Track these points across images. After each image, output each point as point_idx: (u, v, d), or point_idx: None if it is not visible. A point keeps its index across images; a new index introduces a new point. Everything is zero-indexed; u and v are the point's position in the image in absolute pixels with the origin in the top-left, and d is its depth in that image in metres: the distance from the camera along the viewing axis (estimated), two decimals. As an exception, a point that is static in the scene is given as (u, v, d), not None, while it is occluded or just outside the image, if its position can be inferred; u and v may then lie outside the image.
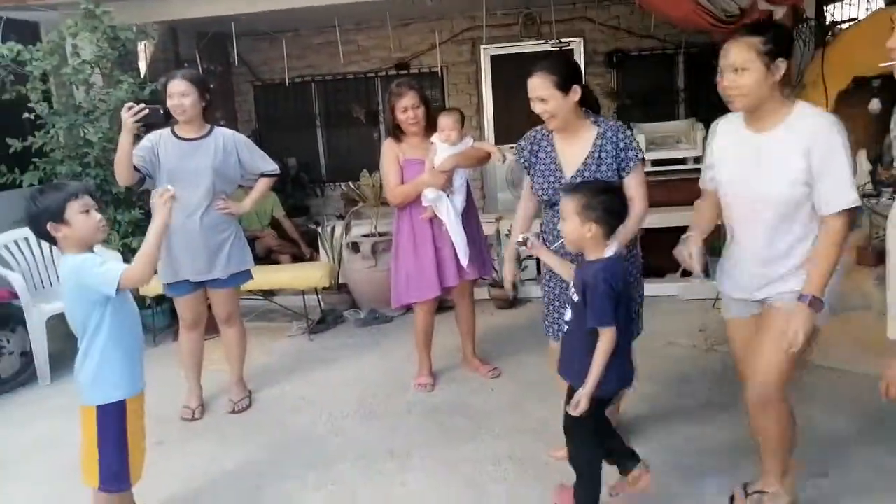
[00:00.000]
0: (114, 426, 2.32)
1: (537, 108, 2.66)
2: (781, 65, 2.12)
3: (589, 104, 2.76)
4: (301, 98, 7.99)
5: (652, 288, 3.84)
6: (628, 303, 2.37)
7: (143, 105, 3.07)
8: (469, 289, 3.91)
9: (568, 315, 2.38)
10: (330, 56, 7.48)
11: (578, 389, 2.23)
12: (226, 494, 2.87)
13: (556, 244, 2.58)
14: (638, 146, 2.71)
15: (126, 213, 4.84)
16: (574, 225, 2.23)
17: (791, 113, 2.17)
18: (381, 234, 5.19)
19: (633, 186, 2.65)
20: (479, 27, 6.97)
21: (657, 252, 3.18)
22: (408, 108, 3.54)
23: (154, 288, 4.48)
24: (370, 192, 5.34)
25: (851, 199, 2.09)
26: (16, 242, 4.50)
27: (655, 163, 5.68)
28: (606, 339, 2.18)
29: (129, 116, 3.04)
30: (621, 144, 2.66)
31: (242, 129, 7.46)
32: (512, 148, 3.04)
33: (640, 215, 2.64)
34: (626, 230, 2.45)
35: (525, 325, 4.73)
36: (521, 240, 2.55)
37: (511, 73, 7.05)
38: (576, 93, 2.62)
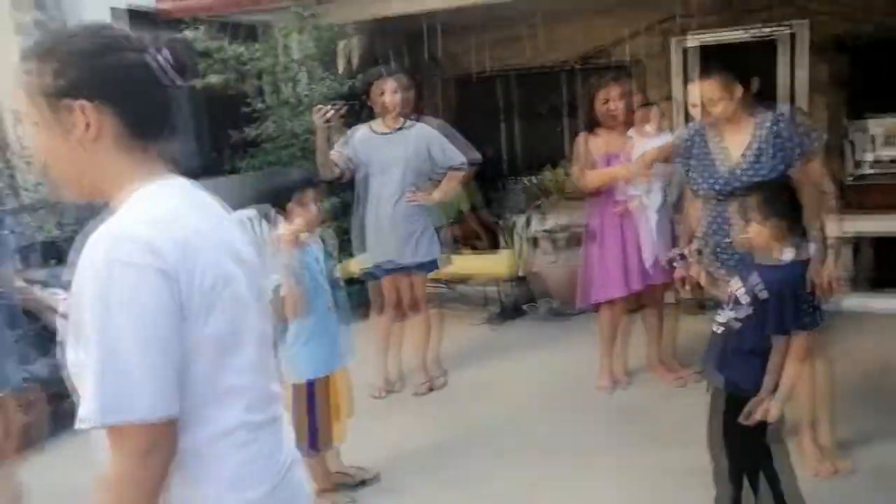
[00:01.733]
0: (305, 400, 2.60)
1: (702, 111, 2.64)
2: None
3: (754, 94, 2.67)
4: (487, 92, 8.08)
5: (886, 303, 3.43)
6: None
7: (328, 108, 3.34)
8: (660, 292, 3.74)
9: (723, 317, 2.26)
10: (517, 50, 7.48)
11: (752, 395, 2.12)
12: (409, 474, 2.99)
13: (725, 244, 2.48)
14: (815, 132, 2.62)
15: (326, 200, 5.18)
16: (751, 225, 2.15)
17: None
18: (562, 230, 5.13)
19: (817, 175, 2.55)
20: (671, 18, 6.63)
21: (892, 262, 2.85)
22: (608, 99, 3.46)
23: (351, 269, 4.79)
24: (552, 187, 5.30)
25: None
26: (250, 218, 4.98)
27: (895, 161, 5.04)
28: (801, 345, 2.09)
29: (318, 118, 3.33)
30: (788, 132, 2.54)
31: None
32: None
33: (833, 207, 2.55)
34: (821, 227, 2.42)
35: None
36: (676, 255, 2.46)
37: (707, 65, 6.63)
38: (740, 90, 2.56)
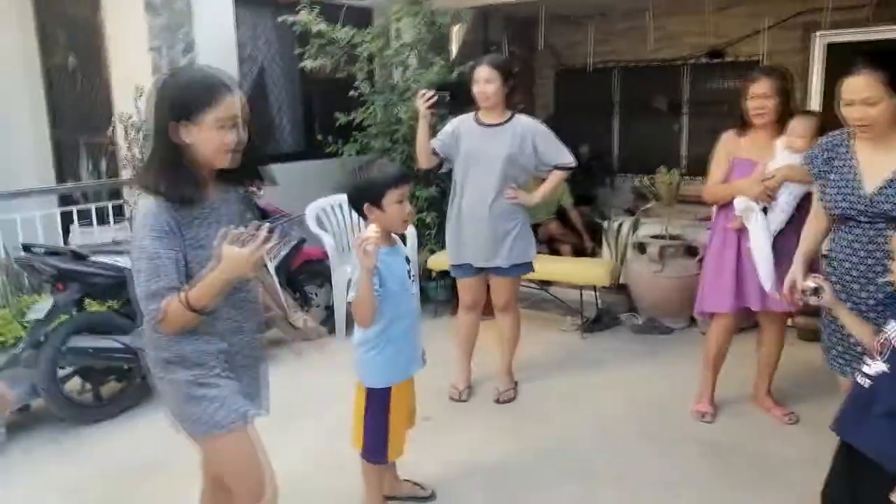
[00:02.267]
0: (378, 408, 2.45)
1: (856, 112, 2.26)
2: None
3: None
4: (601, 84, 7.75)
5: None
6: None
7: (433, 92, 3.23)
8: (779, 319, 3.37)
9: (872, 368, 1.94)
10: (635, 41, 7.11)
11: None
12: (481, 488, 2.85)
13: (880, 283, 2.13)
14: None
15: (424, 189, 5.12)
16: None
17: None
18: (672, 238, 4.79)
19: None
20: (812, 11, 6.06)
21: None
22: (756, 95, 3.12)
23: (440, 263, 4.70)
24: (665, 189, 4.96)
25: None
26: (332, 207, 5.01)
27: None
28: None
29: (422, 104, 3.22)
30: None
31: (540, 114, 7.49)
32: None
33: None
34: None
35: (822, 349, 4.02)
36: (811, 287, 2.16)
37: (851, 65, 6.01)
38: None
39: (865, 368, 1.98)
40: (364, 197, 2.34)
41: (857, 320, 2.17)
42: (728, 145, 3.29)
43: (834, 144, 2.43)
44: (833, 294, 2.19)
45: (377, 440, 2.47)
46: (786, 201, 3.10)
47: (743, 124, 3.24)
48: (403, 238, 2.85)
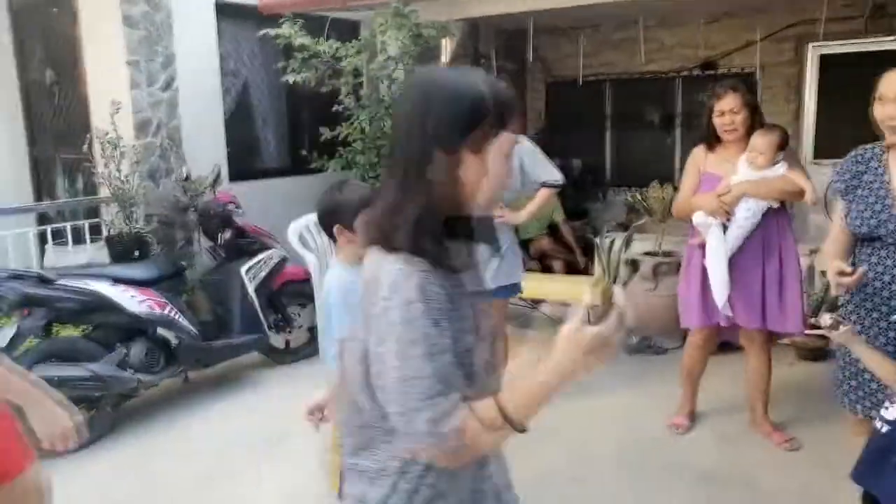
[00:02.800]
0: None
1: (892, 110, 2.08)
2: None
3: None
4: (593, 97, 7.64)
5: None
6: None
7: None
8: (760, 337, 3.27)
9: (891, 412, 1.80)
10: (628, 54, 7.02)
11: None
12: None
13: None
14: None
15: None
16: None
17: None
18: (665, 255, 4.66)
19: None
20: (806, 22, 5.97)
21: None
22: (724, 111, 3.08)
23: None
24: (658, 205, 4.84)
25: None
26: (316, 225, 4.86)
27: None
28: None
29: None
30: None
31: (531, 128, 7.38)
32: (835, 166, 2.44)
33: None
34: None
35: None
36: (829, 322, 1.96)
37: (845, 77, 5.92)
38: None
39: (885, 413, 1.83)
40: (334, 219, 2.19)
41: (878, 356, 1.96)
42: (697, 160, 3.27)
43: (866, 158, 2.26)
44: (853, 329, 2.01)
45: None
46: (744, 217, 3.06)
47: (711, 140, 3.21)
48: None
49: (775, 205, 3.08)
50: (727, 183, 3.07)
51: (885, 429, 1.81)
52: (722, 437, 3.32)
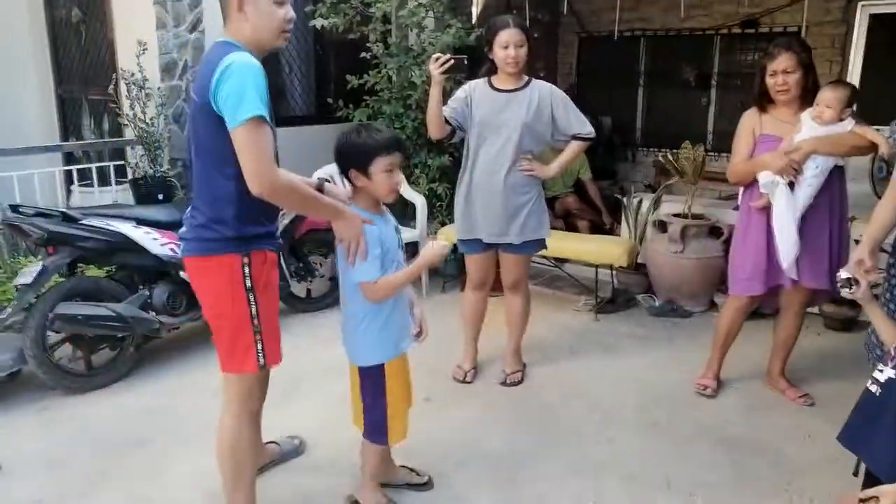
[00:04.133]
0: (373, 388, 2.30)
1: None
2: None
3: None
4: (627, 53, 7.42)
5: None
6: None
7: (448, 56, 2.97)
8: (801, 298, 3.22)
9: (883, 374, 1.77)
10: (666, 9, 6.78)
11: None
12: (481, 477, 2.69)
13: None
14: None
15: (436, 158, 4.91)
16: None
17: None
18: (694, 217, 4.55)
19: None
20: (859, -21, 5.70)
21: None
22: (777, 71, 2.95)
23: (450, 236, 4.51)
24: (689, 166, 4.70)
25: None
26: (340, 173, 4.81)
27: None
28: None
29: (436, 68, 2.96)
30: None
31: (561, 83, 7.20)
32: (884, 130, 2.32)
33: None
34: None
35: (861, 355, 3.79)
36: (844, 278, 1.97)
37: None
38: None
39: (877, 374, 1.78)
40: (351, 162, 2.16)
41: (883, 317, 1.99)
42: (751, 122, 3.12)
43: None
44: (868, 290, 1.98)
45: (376, 421, 2.33)
46: (813, 175, 2.93)
47: (763, 102, 3.08)
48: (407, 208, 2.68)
49: (841, 162, 2.98)
50: (790, 141, 2.94)
51: (877, 391, 1.77)
52: (747, 404, 3.26)
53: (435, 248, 2.21)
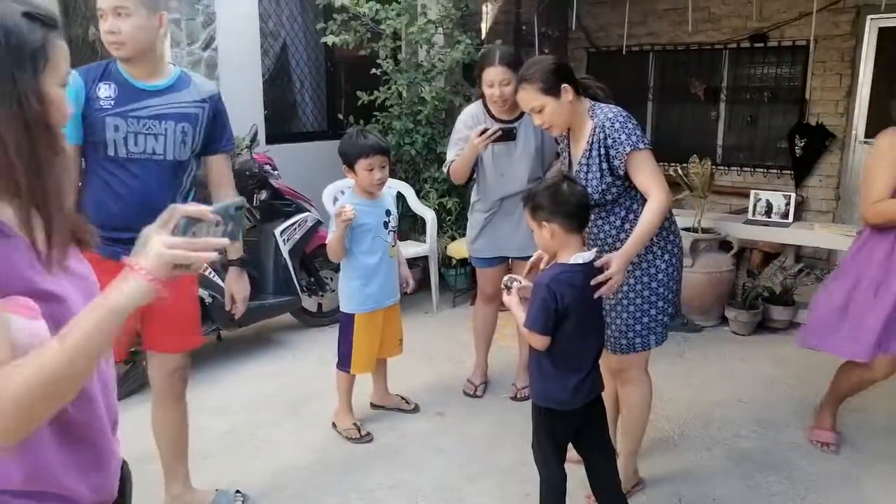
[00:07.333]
0: (345, 328, 3.05)
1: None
2: None
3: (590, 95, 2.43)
4: (636, 68, 7.45)
5: None
6: (585, 316, 2.06)
7: (497, 128, 2.96)
8: None
9: None
10: (674, 23, 6.82)
11: None
12: (493, 491, 2.69)
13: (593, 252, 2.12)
14: (633, 133, 2.26)
15: (449, 198, 4.93)
16: (536, 232, 2.08)
17: None
18: (704, 231, 4.55)
19: (640, 179, 2.26)
20: (868, -8, 5.72)
21: None
22: None
23: (460, 251, 4.53)
24: (699, 181, 4.70)
25: None
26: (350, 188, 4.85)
27: None
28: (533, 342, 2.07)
29: (481, 140, 2.94)
30: (609, 135, 2.28)
31: (569, 98, 7.23)
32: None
33: (656, 210, 2.21)
34: (640, 230, 2.18)
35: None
36: (505, 283, 2.14)
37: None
38: (567, 92, 2.31)
39: None
40: (343, 160, 2.85)
41: (521, 308, 2.09)
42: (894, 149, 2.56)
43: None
44: (515, 290, 2.10)
45: (343, 353, 3.05)
46: None
47: None
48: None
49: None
50: None
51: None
52: (758, 418, 3.25)
53: (344, 213, 2.80)
